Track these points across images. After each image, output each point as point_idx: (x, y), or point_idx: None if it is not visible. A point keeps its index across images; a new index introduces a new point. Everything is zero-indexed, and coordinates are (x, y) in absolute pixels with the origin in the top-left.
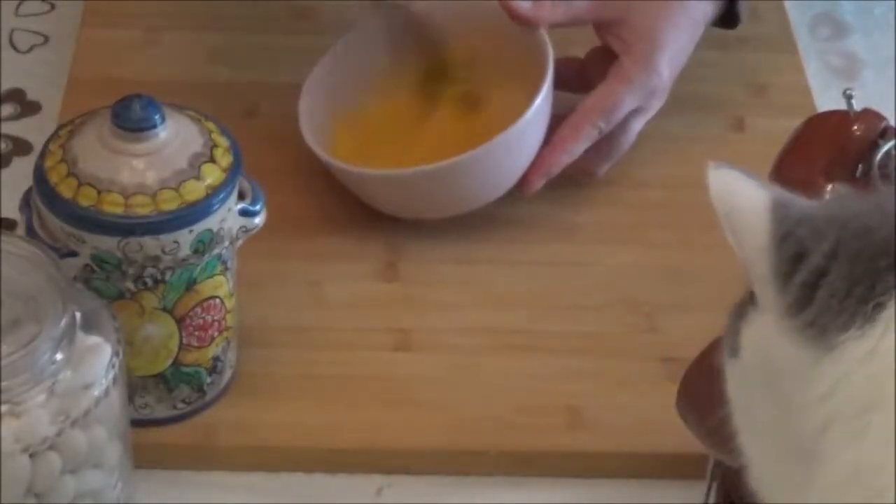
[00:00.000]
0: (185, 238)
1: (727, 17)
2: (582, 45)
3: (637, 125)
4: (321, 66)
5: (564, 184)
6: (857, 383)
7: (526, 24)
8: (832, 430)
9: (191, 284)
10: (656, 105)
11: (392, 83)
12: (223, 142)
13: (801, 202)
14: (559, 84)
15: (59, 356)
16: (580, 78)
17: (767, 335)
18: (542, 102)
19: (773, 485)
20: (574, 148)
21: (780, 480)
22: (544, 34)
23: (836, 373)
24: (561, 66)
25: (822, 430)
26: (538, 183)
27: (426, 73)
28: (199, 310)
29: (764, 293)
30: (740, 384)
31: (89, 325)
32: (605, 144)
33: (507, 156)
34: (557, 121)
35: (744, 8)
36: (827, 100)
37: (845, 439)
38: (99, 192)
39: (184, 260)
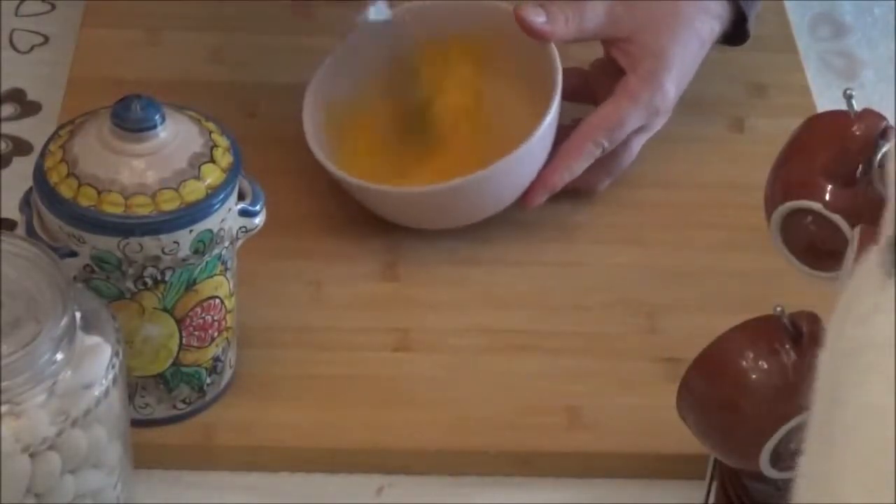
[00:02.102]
0: (185, 238)
1: (734, 35)
2: (580, 46)
3: (639, 143)
4: (324, 69)
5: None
6: (888, 318)
7: (539, 38)
8: (855, 359)
9: (191, 284)
10: (660, 123)
11: (395, 85)
12: (223, 142)
13: None
14: (562, 94)
15: (59, 356)
16: (584, 89)
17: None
18: (550, 121)
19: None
20: (576, 165)
21: (819, 397)
22: (554, 48)
23: (879, 300)
24: (565, 76)
25: (848, 353)
26: (540, 199)
27: (430, 75)
28: (199, 310)
29: None
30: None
31: (89, 325)
32: (606, 161)
33: (513, 174)
34: (559, 131)
35: (752, 26)
36: (827, 100)
37: (861, 372)
38: (99, 193)
39: (184, 260)
